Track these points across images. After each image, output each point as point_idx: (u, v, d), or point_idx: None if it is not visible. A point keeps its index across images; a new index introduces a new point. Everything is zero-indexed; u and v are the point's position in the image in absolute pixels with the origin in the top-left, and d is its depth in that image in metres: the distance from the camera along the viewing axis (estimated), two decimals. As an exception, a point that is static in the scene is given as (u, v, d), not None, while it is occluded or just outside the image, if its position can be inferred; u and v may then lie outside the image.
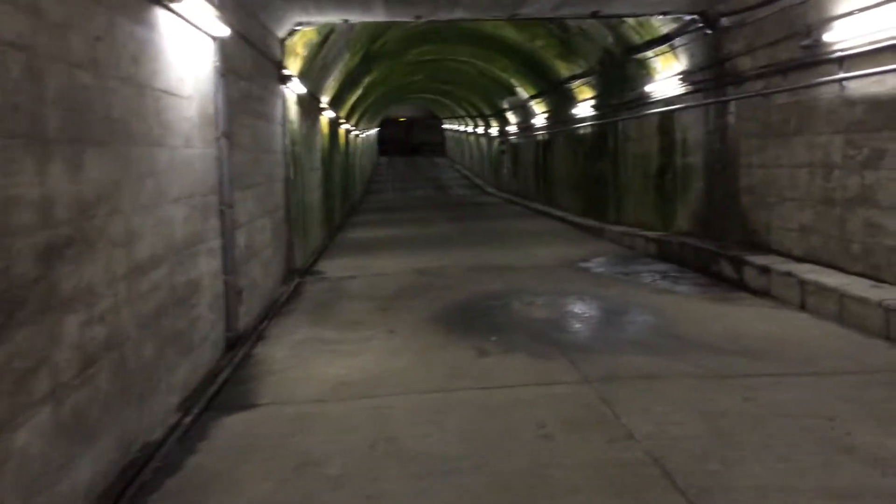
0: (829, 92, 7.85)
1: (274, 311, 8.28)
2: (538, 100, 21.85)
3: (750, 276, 8.60)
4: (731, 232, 10.17)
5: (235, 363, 6.16)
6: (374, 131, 49.49)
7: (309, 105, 13.17)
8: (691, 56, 11.31)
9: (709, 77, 10.76)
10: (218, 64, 6.42)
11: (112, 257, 4.09)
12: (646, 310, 7.72)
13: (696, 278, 9.55)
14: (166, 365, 4.92)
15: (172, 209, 5.19)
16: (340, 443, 4.38)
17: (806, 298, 7.44)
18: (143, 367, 4.51)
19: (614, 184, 15.44)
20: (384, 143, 61.80)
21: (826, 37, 7.66)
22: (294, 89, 10.91)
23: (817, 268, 7.82)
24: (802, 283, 7.48)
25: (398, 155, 61.32)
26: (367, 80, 20.78)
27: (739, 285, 8.79)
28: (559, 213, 19.03)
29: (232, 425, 4.79)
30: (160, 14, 5.02)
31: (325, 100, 15.67)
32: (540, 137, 23.10)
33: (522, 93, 23.07)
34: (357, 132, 27.75)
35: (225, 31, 6.35)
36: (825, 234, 7.97)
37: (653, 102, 12.99)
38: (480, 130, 36.41)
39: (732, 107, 10.11)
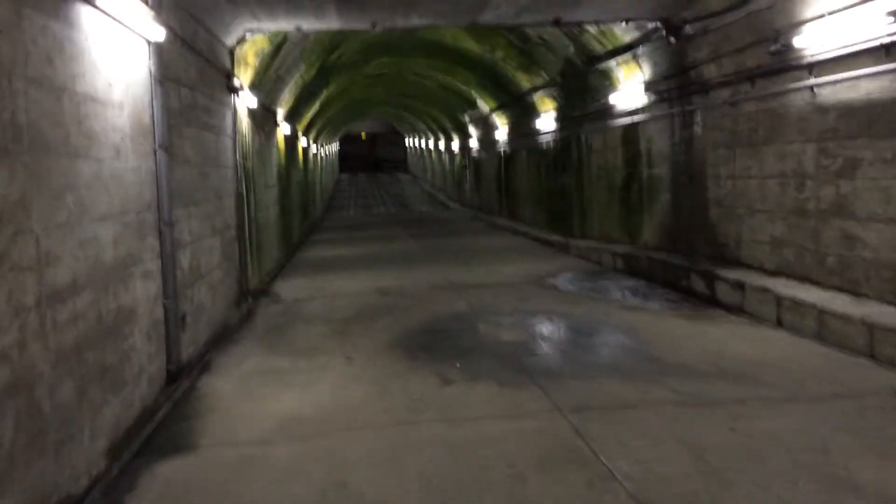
0: (799, 99, 7.61)
1: (224, 337, 7.71)
2: (499, 112, 21.58)
3: (723, 291, 8.29)
4: (700, 245, 9.90)
5: (176, 398, 5.60)
6: (335, 147, 48.93)
7: (263, 118, 12.64)
8: (654, 65, 11.08)
9: (673, 86, 10.52)
10: (154, 69, 5.89)
11: (18, 284, 3.55)
12: (617, 329, 7.34)
13: (667, 294, 9.23)
14: (91, 405, 4.36)
15: (99, 228, 4.65)
16: (287, 491, 3.87)
17: (783, 315, 7.14)
18: (61, 409, 3.95)
19: (579, 197, 15.16)
20: (346, 160, 61.38)
21: (796, 41, 7.43)
22: (246, 101, 10.38)
23: (792, 282, 7.54)
24: (779, 299, 7.18)
25: (360, 171, 60.89)
26: (324, 94, 20.30)
27: (712, 301, 8.48)
28: (523, 229, 18.71)
29: (165, 473, 4.24)
30: (83, 10, 4.49)
31: (280, 113, 15.14)
32: (502, 151, 22.82)
33: (483, 106, 22.79)
34: (317, 148, 27.20)
35: (161, 33, 5.83)
36: (799, 247, 7.70)
37: (616, 113, 12.74)
38: (442, 145, 36.11)
39: (698, 116, 9.87)
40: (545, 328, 7.58)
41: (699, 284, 8.87)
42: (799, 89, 7.58)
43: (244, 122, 10.58)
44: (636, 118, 11.88)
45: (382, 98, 30.68)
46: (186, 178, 6.91)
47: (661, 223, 11.17)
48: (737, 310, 7.93)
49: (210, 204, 7.93)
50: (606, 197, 13.49)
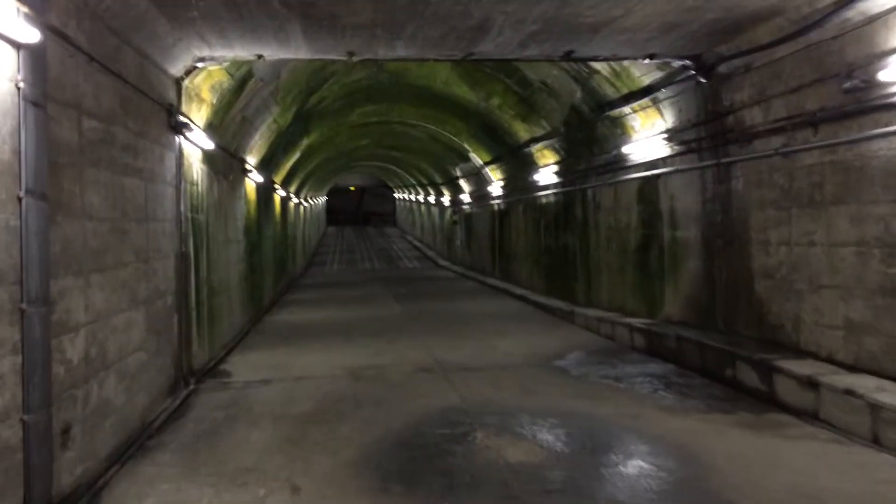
0: (886, 147, 5.99)
1: (137, 444, 5.84)
2: (494, 166, 20.07)
3: (786, 389, 6.52)
4: (741, 325, 8.17)
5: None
6: (321, 200, 47.48)
7: (225, 165, 10.95)
8: (679, 111, 9.53)
9: (704, 135, 8.95)
10: (27, 86, 4.18)
11: None
12: (660, 446, 5.53)
13: (708, 387, 7.44)
14: None
15: None
16: None
17: (881, 431, 5.36)
18: None
19: (584, 260, 13.47)
20: (333, 213, 60.02)
21: (881, 75, 5.84)
22: (198, 143, 8.70)
23: (886, 383, 5.78)
24: (875, 408, 5.41)
25: (348, 224, 59.46)
26: (304, 143, 18.74)
27: (769, 400, 6.71)
28: (519, 291, 16.96)
29: None
30: None
31: (251, 161, 13.49)
32: (496, 207, 21.24)
33: (476, 159, 21.30)
34: (298, 200, 25.57)
35: (35, 36, 4.15)
36: (889, 336, 5.97)
37: (630, 166, 11.15)
38: (432, 199, 34.63)
39: (738, 170, 8.25)
40: (563, 442, 5.74)
41: (750, 377, 7.10)
42: (885, 135, 5.97)
43: (196, 168, 8.87)
44: (655, 172, 10.28)
45: (370, 150, 29.26)
46: (85, 237, 5.14)
47: (689, 295, 9.45)
48: (809, 416, 6.15)
49: (129, 268, 6.14)
50: (618, 261, 11.80)
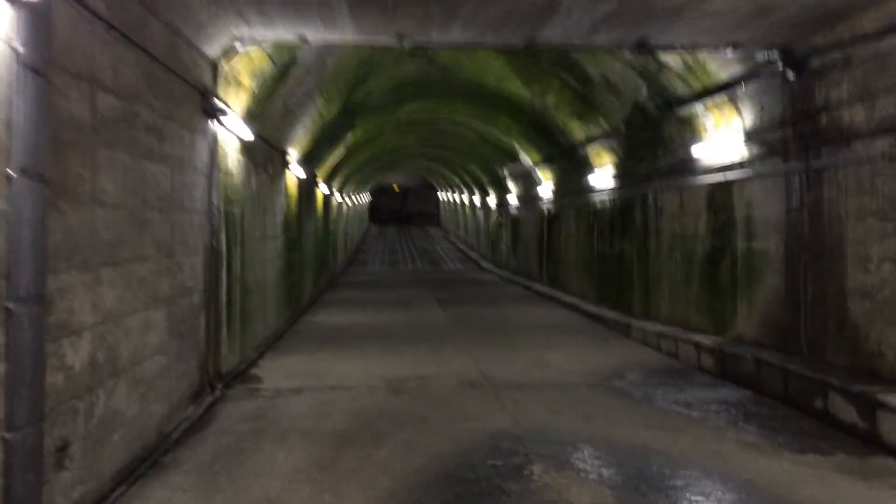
0: None
1: (149, 461, 5.22)
2: (544, 166, 19.23)
3: (893, 429, 5.60)
4: (829, 349, 7.23)
5: None
6: (365, 198, 47.14)
7: (265, 157, 10.37)
8: (761, 109, 8.61)
9: (791, 136, 8.02)
10: (24, 48, 3.56)
11: None
12: (753, 495, 4.67)
13: (794, 420, 6.53)
14: None
15: None
16: None
17: None
18: None
19: (642, 269, 12.57)
20: (376, 211, 59.81)
21: None
22: (235, 130, 8.11)
23: None
24: None
25: (391, 224, 59.13)
26: (350, 138, 18.17)
27: (872, 440, 5.80)
28: (569, 299, 16.10)
29: None
30: None
31: (293, 154, 12.93)
32: (545, 209, 20.39)
33: (526, 159, 20.49)
34: (341, 197, 25.08)
35: (34, -13, 3.53)
36: None
37: (700, 169, 10.24)
38: (477, 200, 33.89)
39: (832, 175, 7.32)
40: (635, 485, 4.92)
41: (846, 411, 6.18)
42: None
43: (231, 158, 8.28)
44: (729, 176, 9.36)
45: (415, 148, 28.65)
46: (95, 226, 4.52)
47: (766, 313, 8.52)
48: (925, 464, 5.24)
49: (149, 263, 5.53)
50: (682, 272, 10.89)
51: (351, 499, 4.53)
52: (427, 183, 56.30)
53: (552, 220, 19.72)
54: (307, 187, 15.80)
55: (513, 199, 25.03)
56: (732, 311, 9.30)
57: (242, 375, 8.17)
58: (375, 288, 20.08)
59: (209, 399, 6.92)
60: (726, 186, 9.54)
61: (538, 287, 19.64)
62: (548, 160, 18.62)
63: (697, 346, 9.12)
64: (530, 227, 22.57)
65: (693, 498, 4.63)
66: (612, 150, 13.90)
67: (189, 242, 6.60)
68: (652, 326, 11.03)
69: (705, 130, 9.96)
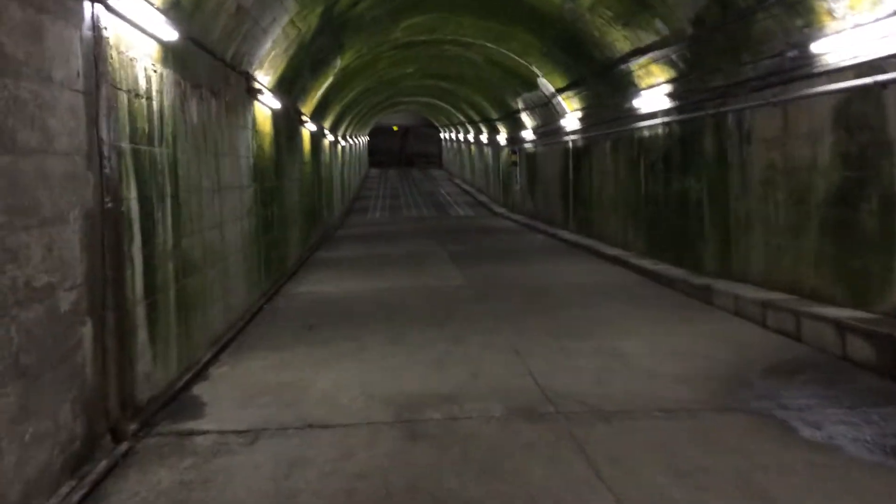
0: None
1: None
2: (570, 93, 16.18)
3: None
4: None
5: None
6: (363, 140, 43.97)
7: (208, 75, 7.46)
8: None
9: None
10: None
11: None
12: None
13: None
14: None
15: None
16: None
17: None
18: None
19: (718, 212, 9.74)
20: (375, 154, 56.63)
21: None
22: (142, 24, 5.21)
23: None
24: None
25: (391, 167, 56.01)
26: (339, 64, 15.09)
27: None
28: (610, 251, 13.31)
29: None
30: None
31: (262, 78, 9.96)
32: (571, 144, 17.43)
33: (547, 85, 17.41)
34: (334, 137, 22.04)
35: None
36: None
37: (822, 73, 7.30)
38: (485, 138, 30.78)
39: None
40: None
41: None
42: None
43: (143, 69, 5.38)
44: (880, 78, 6.43)
45: (416, 81, 25.46)
46: None
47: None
48: None
49: None
50: (787, 217, 8.05)
51: None
52: (428, 122, 52.97)
53: (580, 156, 16.78)
54: (288, 124, 12.85)
55: (528, 134, 22.01)
56: (886, 274, 6.48)
57: (178, 400, 5.43)
58: (377, 241, 17.27)
59: (102, 465, 4.17)
60: (871, 94, 6.61)
61: (565, 234, 16.83)
62: (575, 84, 15.55)
63: (838, 325, 6.34)
64: (551, 165, 19.62)
65: None
66: (668, 62, 10.88)
67: (43, 206, 3.77)
68: (746, 291, 8.25)
69: (832, 17, 6.97)
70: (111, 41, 4.73)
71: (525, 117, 21.75)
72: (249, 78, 9.28)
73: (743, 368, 5.86)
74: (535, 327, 7.50)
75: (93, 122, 4.42)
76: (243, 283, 8.72)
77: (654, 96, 11.70)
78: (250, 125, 9.52)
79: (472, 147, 36.53)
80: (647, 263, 11.42)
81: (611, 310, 8.46)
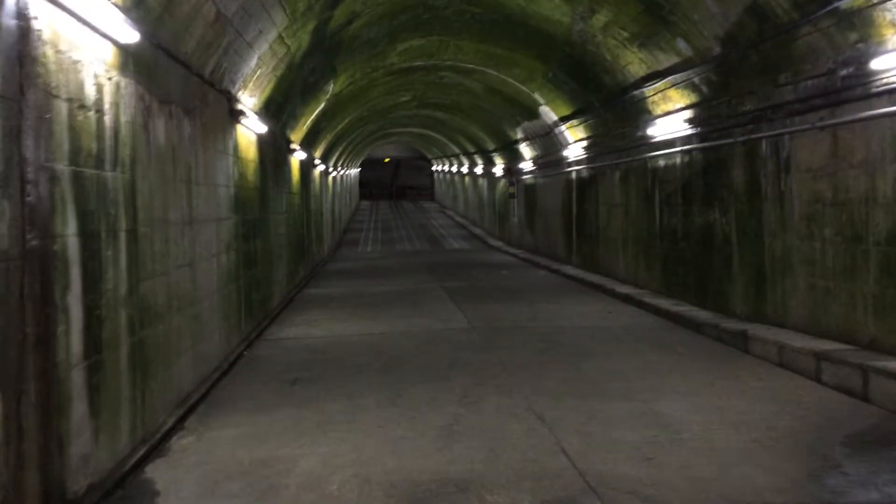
0: None
1: None
2: (576, 121, 15.33)
3: None
4: None
5: None
6: (354, 171, 43.11)
7: (181, 91, 6.50)
8: None
9: None
10: None
11: None
12: None
13: None
14: None
15: None
16: None
17: None
18: None
19: (750, 250, 8.79)
20: (366, 186, 55.80)
21: None
22: (96, 24, 4.24)
23: None
24: None
25: (382, 199, 55.10)
26: (332, 89, 14.20)
27: None
28: (621, 289, 12.33)
29: None
30: None
31: (246, 100, 9.01)
32: (575, 174, 16.54)
33: (549, 113, 16.59)
34: (324, 167, 21.10)
35: None
36: None
37: (884, 94, 6.41)
38: (479, 170, 29.94)
39: None
40: None
41: None
42: None
43: (91, 75, 4.39)
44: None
45: (410, 109, 24.62)
46: None
47: None
48: None
49: None
50: (843, 256, 7.08)
51: None
52: (420, 154, 52.28)
53: (585, 188, 15.88)
54: (275, 151, 11.88)
55: (527, 165, 21.15)
56: (975, 326, 5.51)
57: (124, 487, 4.34)
58: (369, 277, 16.22)
59: None
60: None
61: (568, 270, 15.86)
62: (582, 112, 14.71)
63: (925, 388, 5.34)
64: (552, 197, 18.71)
65: None
66: (689, 86, 10.02)
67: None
68: (791, 339, 7.26)
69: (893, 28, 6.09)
70: (45, 36, 3.75)
71: (524, 148, 20.92)
72: (232, 98, 8.33)
73: (819, 441, 4.84)
74: (556, 384, 6.46)
75: (12, 135, 3.42)
76: (220, 329, 7.65)
77: (671, 123, 10.84)
78: (231, 151, 8.54)
79: (466, 179, 35.71)
80: (665, 304, 10.44)
81: (636, 360, 7.45)
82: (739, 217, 9.07)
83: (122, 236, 4.85)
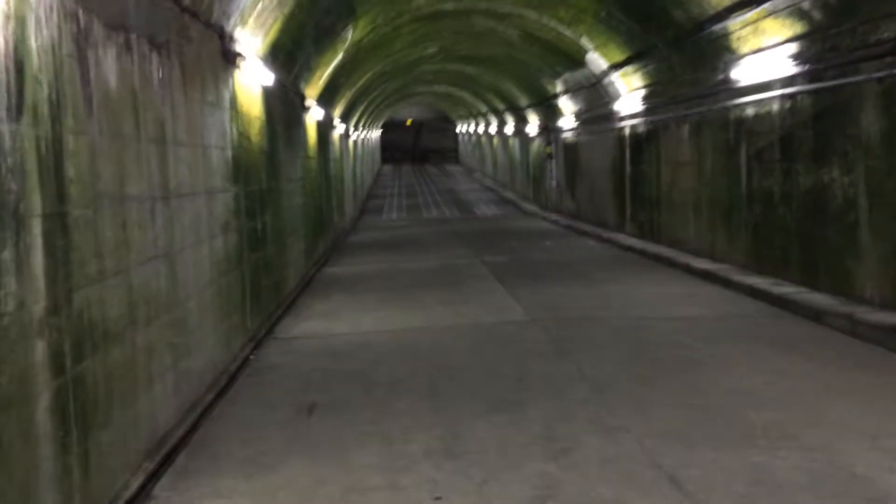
0: None
1: None
2: (632, 67, 13.31)
3: None
4: None
5: None
6: (375, 134, 41.19)
7: (150, 22, 4.68)
8: None
9: None
10: None
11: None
12: None
13: None
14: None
15: None
16: None
17: None
18: None
19: (888, 217, 6.86)
20: (388, 150, 53.89)
21: None
22: None
23: None
24: None
25: (404, 163, 53.19)
26: (351, 36, 12.28)
27: None
28: (695, 263, 10.47)
29: None
30: None
31: (249, 41, 7.16)
32: (629, 130, 14.55)
33: (598, 61, 14.54)
34: (345, 127, 19.23)
35: None
36: None
37: None
38: (510, 129, 27.89)
39: None
40: None
41: None
42: None
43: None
44: None
45: (436, 63, 22.57)
46: None
47: None
48: None
49: None
50: None
51: None
52: (443, 115, 50.13)
53: (641, 144, 13.91)
54: (287, 108, 10.06)
55: (567, 121, 19.14)
56: None
57: None
58: (398, 251, 14.46)
59: None
60: None
61: (622, 239, 13.99)
62: (640, 56, 12.68)
63: None
64: (600, 157, 16.74)
65: None
66: (795, 13, 8.00)
67: None
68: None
69: None
70: None
71: (564, 102, 18.88)
72: (225, 36, 6.50)
73: None
74: (675, 417, 4.65)
75: None
76: (215, 333, 5.94)
77: (764, 63, 8.84)
78: (227, 104, 6.74)
79: (495, 139, 33.67)
80: (760, 283, 8.57)
81: (764, 368, 5.62)
82: (871, 175, 7.13)
83: (36, 224, 3.10)
